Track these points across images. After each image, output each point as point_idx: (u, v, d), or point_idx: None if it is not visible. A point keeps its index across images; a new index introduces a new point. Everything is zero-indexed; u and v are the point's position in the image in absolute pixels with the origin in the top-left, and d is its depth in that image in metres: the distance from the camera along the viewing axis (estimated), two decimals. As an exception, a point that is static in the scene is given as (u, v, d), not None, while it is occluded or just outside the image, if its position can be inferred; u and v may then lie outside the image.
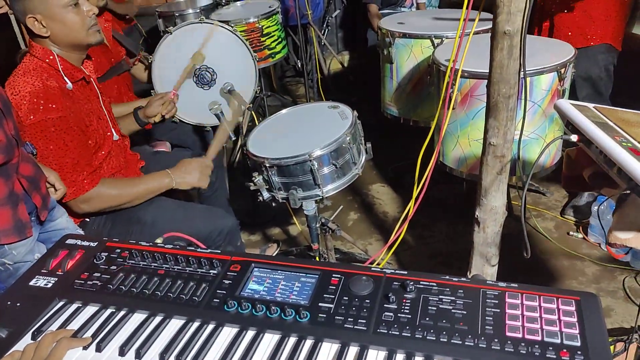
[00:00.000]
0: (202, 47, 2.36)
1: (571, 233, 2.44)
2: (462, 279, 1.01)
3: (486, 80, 1.91)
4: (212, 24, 2.51)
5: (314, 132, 1.91)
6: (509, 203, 2.41)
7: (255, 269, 1.09)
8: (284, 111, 2.13)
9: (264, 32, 2.97)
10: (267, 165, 1.81)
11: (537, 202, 2.68)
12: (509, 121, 1.44)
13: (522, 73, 1.39)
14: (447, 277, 1.02)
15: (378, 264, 2.29)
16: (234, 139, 2.26)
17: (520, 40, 1.33)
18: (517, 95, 1.42)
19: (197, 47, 2.44)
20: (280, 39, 3.12)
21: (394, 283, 1.01)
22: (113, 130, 1.77)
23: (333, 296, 1.00)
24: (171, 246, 1.18)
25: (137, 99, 2.62)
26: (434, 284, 1.00)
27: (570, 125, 1.12)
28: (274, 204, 1.90)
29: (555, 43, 2.16)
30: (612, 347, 1.65)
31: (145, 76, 2.69)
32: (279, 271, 1.08)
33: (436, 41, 2.41)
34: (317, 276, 1.05)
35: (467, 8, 1.44)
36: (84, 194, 1.56)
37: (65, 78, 1.55)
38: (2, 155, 1.22)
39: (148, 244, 1.19)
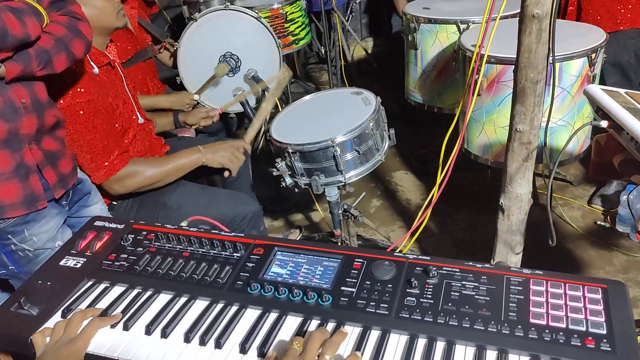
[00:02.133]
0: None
1: (599, 222, 2.39)
2: (486, 265, 1.00)
3: (513, 66, 1.89)
4: (236, 10, 2.52)
5: (337, 118, 1.91)
6: (535, 191, 2.37)
7: (279, 253, 1.10)
8: (307, 97, 2.13)
9: (287, 18, 2.96)
10: (290, 151, 1.81)
11: (564, 191, 2.63)
12: (536, 107, 1.42)
13: (550, 58, 1.35)
14: (471, 263, 1.01)
15: (400, 251, 2.29)
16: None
17: (550, 24, 1.30)
18: (545, 81, 1.39)
19: (219, 37, 2.45)
20: (304, 25, 3.10)
21: (417, 268, 1.01)
22: (138, 113, 1.80)
23: (355, 280, 1.01)
24: (196, 229, 1.20)
25: (162, 85, 2.66)
26: (457, 270, 0.99)
27: (600, 111, 1.10)
28: (296, 190, 1.91)
29: (585, 27, 2.10)
30: (639, 338, 1.62)
31: (170, 63, 2.71)
32: (301, 255, 1.09)
33: (462, 26, 2.37)
34: (339, 260, 1.06)
35: None
36: (115, 174, 1.59)
37: (92, 63, 1.58)
38: (0, 122, 1.21)
39: (173, 227, 1.21)
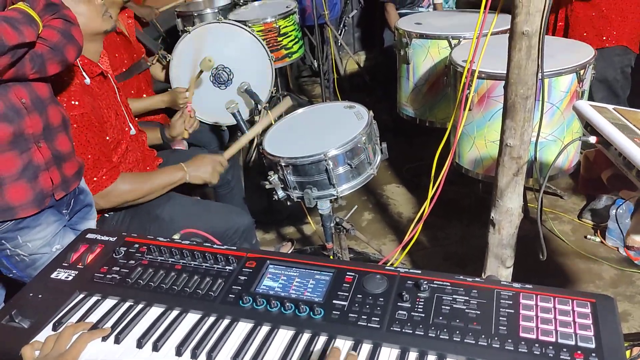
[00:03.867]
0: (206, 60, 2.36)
1: (589, 237, 2.41)
2: (476, 279, 1.01)
3: (504, 82, 1.92)
4: (230, 23, 2.54)
5: (330, 132, 1.92)
6: (525, 205, 2.38)
7: (271, 266, 1.10)
8: (299, 110, 2.14)
9: (281, 32, 2.99)
10: (283, 164, 1.82)
11: (554, 205, 2.66)
12: (526, 122, 1.44)
13: (540, 74, 1.38)
14: (461, 277, 1.02)
15: (392, 264, 2.29)
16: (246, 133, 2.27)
17: (539, 41, 1.32)
18: (535, 97, 1.41)
19: (212, 49, 2.46)
20: (297, 39, 3.13)
21: (408, 282, 1.02)
22: (131, 124, 1.80)
23: (347, 294, 1.01)
24: (188, 242, 1.20)
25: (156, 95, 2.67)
26: (448, 284, 1.00)
27: (589, 127, 1.12)
28: (289, 203, 1.92)
29: (574, 44, 2.14)
30: (628, 352, 1.63)
31: (162, 75, 2.72)
32: (293, 268, 1.09)
33: (453, 42, 2.40)
34: (331, 274, 1.06)
35: (484, 9, 1.44)
36: (102, 190, 1.59)
37: (84, 73, 1.58)
38: (4, 125, 1.21)
39: (166, 240, 1.21)
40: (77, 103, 1.48)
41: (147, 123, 2.29)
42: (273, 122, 2.08)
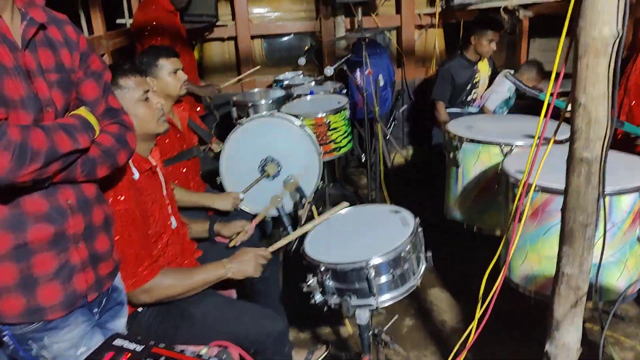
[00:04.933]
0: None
1: (655, 368, 2.17)
2: None
3: (560, 196, 1.82)
4: (281, 117, 2.61)
5: (373, 238, 1.87)
6: (583, 325, 2.20)
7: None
8: (343, 211, 2.11)
9: (331, 127, 3.03)
10: (322, 269, 1.76)
11: (615, 328, 2.43)
12: (585, 250, 1.33)
13: (601, 201, 1.29)
14: None
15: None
16: (290, 232, 2.24)
17: (600, 168, 1.25)
18: (595, 224, 1.32)
19: (263, 142, 2.53)
20: (346, 134, 3.17)
21: None
22: (173, 218, 1.81)
23: None
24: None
25: (203, 184, 2.71)
26: None
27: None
28: (325, 309, 1.83)
29: (636, 160, 2.04)
30: None
31: (214, 162, 2.78)
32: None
33: (505, 149, 2.35)
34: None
35: (545, 116, 1.38)
36: (143, 285, 1.57)
37: (134, 168, 1.61)
38: (47, 225, 1.20)
39: (192, 354, 1.14)
40: (122, 198, 1.50)
41: (196, 214, 2.30)
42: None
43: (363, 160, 4.07)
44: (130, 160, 1.61)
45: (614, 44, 1.15)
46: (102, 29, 2.58)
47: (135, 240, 1.52)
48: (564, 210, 1.35)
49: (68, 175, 1.20)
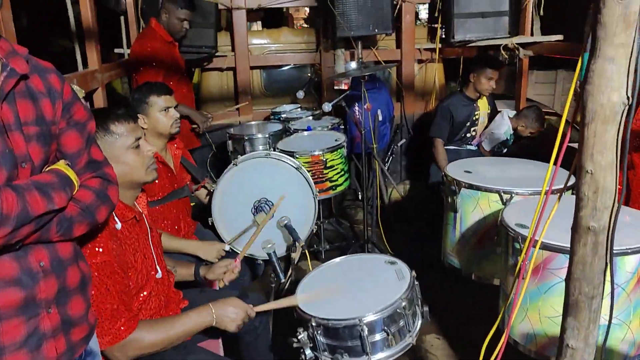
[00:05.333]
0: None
1: None
2: None
3: (561, 255, 1.75)
4: (276, 158, 2.54)
5: (367, 291, 1.79)
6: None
7: None
8: (337, 260, 2.04)
9: (327, 165, 2.98)
10: (314, 324, 1.68)
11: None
12: (591, 323, 1.26)
13: (608, 272, 1.22)
14: None
15: None
16: (283, 280, 2.16)
17: (607, 239, 1.18)
18: (601, 296, 1.25)
19: (257, 182, 2.46)
20: (343, 172, 3.12)
21: None
22: (158, 267, 1.72)
23: None
24: None
25: (194, 223, 2.64)
26: None
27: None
28: (316, 366, 1.74)
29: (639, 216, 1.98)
30: None
31: (206, 201, 2.71)
32: None
33: (505, 197, 2.29)
34: None
35: (555, 163, 1.30)
36: (119, 342, 1.47)
37: (116, 218, 1.54)
38: (16, 290, 1.09)
39: None
40: (100, 250, 1.42)
41: (182, 256, 2.22)
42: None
43: (360, 198, 4.02)
44: (114, 210, 1.54)
45: (623, 111, 1.10)
46: (97, 62, 2.53)
47: (112, 294, 1.44)
48: (568, 280, 1.27)
49: (41, 237, 1.12)
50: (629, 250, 1.72)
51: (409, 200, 4.40)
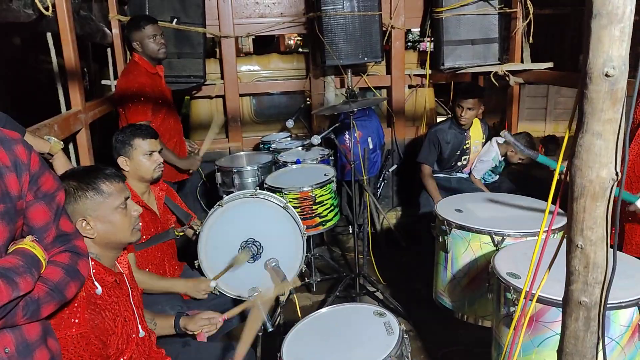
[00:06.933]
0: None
1: None
2: None
3: (554, 308, 1.71)
4: (263, 199, 2.49)
5: (355, 346, 1.74)
6: None
7: None
8: (324, 310, 1.98)
9: (316, 201, 2.93)
10: (300, 382, 1.63)
11: None
12: (585, 397, 1.21)
13: (600, 346, 1.18)
14: None
15: None
16: (270, 330, 2.10)
17: (599, 315, 1.14)
18: (595, 370, 1.20)
19: (243, 223, 2.42)
20: (332, 207, 3.07)
21: None
22: (140, 327, 1.67)
23: None
24: None
25: (180, 265, 2.58)
26: None
27: None
28: None
29: (634, 264, 1.94)
30: None
31: (194, 239, 2.66)
32: None
33: (496, 239, 2.25)
34: None
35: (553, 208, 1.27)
36: (95, 416, 1.41)
37: (96, 282, 1.48)
38: None
39: None
40: (76, 321, 1.36)
41: (169, 300, 2.18)
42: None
43: (351, 230, 3.97)
44: (93, 274, 1.48)
45: (612, 187, 1.06)
46: (80, 102, 2.48)
47: (89, 365, 1.38)
48: (560, 353, 1.23)
49: (7, 323, 1.06)
50: (623, 304, 1.68)
51: (400, 227, 4.36)
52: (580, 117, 1.05)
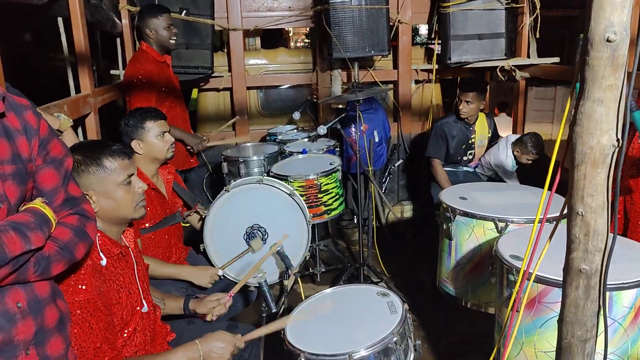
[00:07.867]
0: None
1: None
2: None
3: (556, 288, 1.72)
4: (269, 185, 2.52)
5: (358, 325, 1.75)
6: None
7: None
8: (328, 291, 2.00)
9: (321, 189, 2.95)
10: (303, 359, 1.64)
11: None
12: (585, 368, 1.22)
13: (602, 314, 1.19)
14: None
15: None
16: (274, 310, 2.12)
17: (600, 282, 1.15)
18: (595, 339, 1.22)
19: (249, 209, 2.44)
20: (337, 196, 3.08)
21: None
22: (144, 301, 1.69)
23: None
24: None
25: (186, 249, 2.61)
26: None
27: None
28: (305, 403, 1.70)
29: (636, 248, 1.94)
30: None
31: (198, 226, 2.68)
32: None
33: (500, 225, 2.26)
34: None
35: (550, 189, 1.27)
36: (100, 383, 1.44)
37: (102, 253, 1.51)
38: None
39: None
40: (84, 287, 1.38)
41: (171, 289, 2.19)
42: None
43: (355, 222, 3.98)
44: (99, 245, 1.51)
45: (613, 153, 1.08)
46: (89, 86, 2.52)
47: (96, 332, 1.40)
48: (560, 322, 1.24)
49: (19, 277, 1.09)
50: (626, 285, 1.68)
51: (405, 220, 4.36)
52: (582, 84, 1.06)
